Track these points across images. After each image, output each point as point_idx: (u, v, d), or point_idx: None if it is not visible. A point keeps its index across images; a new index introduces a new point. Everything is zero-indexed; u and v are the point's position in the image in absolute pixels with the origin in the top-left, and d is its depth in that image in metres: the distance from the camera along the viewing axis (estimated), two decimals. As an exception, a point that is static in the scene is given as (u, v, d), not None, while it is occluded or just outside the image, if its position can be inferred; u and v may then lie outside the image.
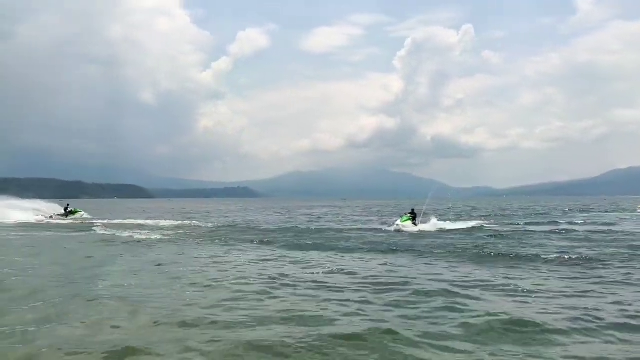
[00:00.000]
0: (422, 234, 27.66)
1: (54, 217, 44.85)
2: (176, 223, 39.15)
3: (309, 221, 43.06)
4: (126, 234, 28.84)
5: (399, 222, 30.38)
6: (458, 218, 43.95)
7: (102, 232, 30.57)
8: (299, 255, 18.93)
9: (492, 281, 12.84)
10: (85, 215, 46.84)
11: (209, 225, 37.85)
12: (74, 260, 17.75)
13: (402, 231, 28.77)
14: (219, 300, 10.65)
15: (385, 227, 31.04)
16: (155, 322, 8.83)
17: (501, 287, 11.96)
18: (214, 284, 12.69)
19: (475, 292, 11.35)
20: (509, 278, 13.23)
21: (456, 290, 11.55)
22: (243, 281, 13.01)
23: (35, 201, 50.04)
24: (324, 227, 35.13)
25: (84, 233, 30.67)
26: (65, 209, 46.91)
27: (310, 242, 23.45)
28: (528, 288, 11.74)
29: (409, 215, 31.14)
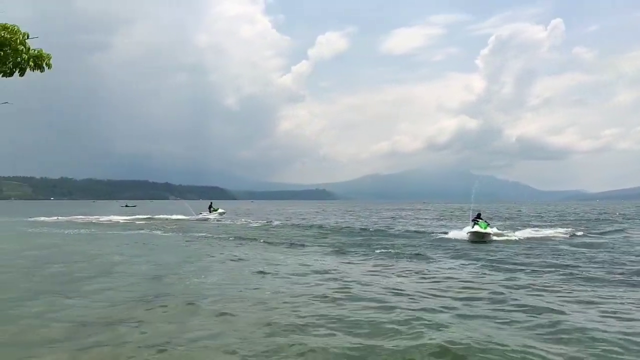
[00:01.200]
0: (510, 243, 24.94)
1: (202, 214, 52.34)
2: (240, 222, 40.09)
3: (388, 224, 42.08)
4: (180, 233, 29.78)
5: (478, 228, 25.92)
6: (545, 224, 41.15)
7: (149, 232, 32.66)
8: (371, 262, 18.30)
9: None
10: (221, 212, 53.45)
11: (277, 223, 38.44)
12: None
13: (484, 239, 25.05)
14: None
15: (460, 233, 27.70)
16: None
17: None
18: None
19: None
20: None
21: (558, 317, 9.85)
22: (305, 291, 12.63)
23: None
24: (403, 230, 34.10)
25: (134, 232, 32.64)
26: (210, 207, 54.20)
27: (389, 248, 22.65)
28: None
29: (484, 221, 27.06)
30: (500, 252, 20.55)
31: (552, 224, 41.46)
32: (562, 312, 9.90)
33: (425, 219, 54.47)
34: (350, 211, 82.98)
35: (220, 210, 53.39)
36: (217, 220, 47.26)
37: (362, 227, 38.35)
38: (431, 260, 18.34)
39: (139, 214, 57.93)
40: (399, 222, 47.15)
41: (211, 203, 56.06)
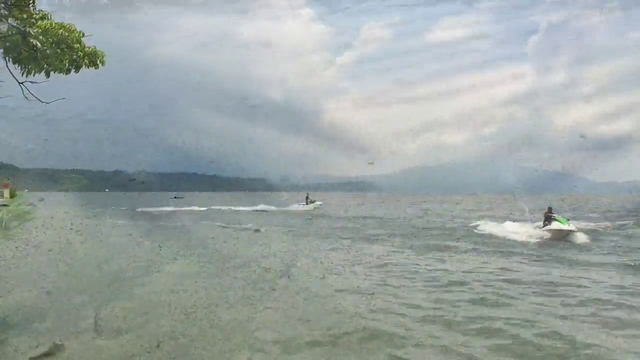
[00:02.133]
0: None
1: (299, 204, 53.84)
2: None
3: (436, 218, 41.39)
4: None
5: (560, 225, 21.28)
6: (602, 217, 39.32)
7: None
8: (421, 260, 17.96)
9: None
10: (318, 204, 54.15)
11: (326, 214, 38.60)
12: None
13: (568, 238, 20.71)
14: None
15: (521, 229, 24.19)
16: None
17: None
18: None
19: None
20: None
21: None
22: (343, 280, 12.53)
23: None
24: (452, 224, 33.42)
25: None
26: (306, 198, 54.94)
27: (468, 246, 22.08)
28: None
29: (564, 217, 22.57)
30: (553, 248, 19.77)
31: (610, 216, 39.59)
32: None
33: (471, 210, 53.07)
34: (396, 204, 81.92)
35: (317, 203, 54.20)
36: (314, 210, 49.44)
37: (411, 221, 37.82)
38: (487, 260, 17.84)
39: (214, 205, 58.94)
40: (447, 215, 46.17)
41: (307, 194, 56.86)
